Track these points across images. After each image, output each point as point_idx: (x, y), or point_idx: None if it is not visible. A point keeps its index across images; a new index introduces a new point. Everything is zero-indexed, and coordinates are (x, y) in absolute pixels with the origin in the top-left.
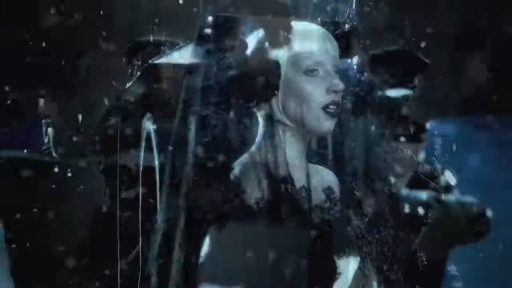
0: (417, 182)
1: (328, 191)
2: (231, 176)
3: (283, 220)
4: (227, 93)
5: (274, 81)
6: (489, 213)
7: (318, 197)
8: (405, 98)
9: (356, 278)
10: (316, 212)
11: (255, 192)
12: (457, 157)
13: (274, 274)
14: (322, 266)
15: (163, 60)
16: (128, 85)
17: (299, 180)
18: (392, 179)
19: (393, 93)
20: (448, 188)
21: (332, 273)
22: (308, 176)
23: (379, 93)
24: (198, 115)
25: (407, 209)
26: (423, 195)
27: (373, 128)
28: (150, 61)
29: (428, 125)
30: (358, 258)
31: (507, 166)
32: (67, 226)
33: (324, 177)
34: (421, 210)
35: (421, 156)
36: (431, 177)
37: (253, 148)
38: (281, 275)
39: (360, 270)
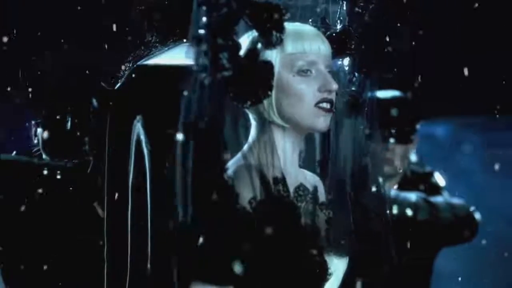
0: (406, 183)
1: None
2: (225, 177)
3: (276, 220)
4: (220, 94)
5: (267, 82)
6: (477, 215)
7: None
8: (395, 99)
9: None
10: (322, 209)
11: (248, 192)
12: (446, 159)
13: (267, 274)
14: (313, 266)
15: (152, 61)
16: (116, 86)
17: (292, 180)
18: (382, 180)
19: (383, 94)
20: (437, 190)
21: (323, 273)
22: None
23: (370, 94)
24: (191, 116)
25: (395, 210)
26: (412, 196)
27: (363, 128)
28: (139, 62)
29: (418, 126)
30: (348, 258)
31: (498, 168)
32: (58, 228)
33: (311, 180)
34: (409, 211)
35: (411, 157)
36: (420, 178)
37: (245, 148)
38: (274, 275)
39: (350, 269)
